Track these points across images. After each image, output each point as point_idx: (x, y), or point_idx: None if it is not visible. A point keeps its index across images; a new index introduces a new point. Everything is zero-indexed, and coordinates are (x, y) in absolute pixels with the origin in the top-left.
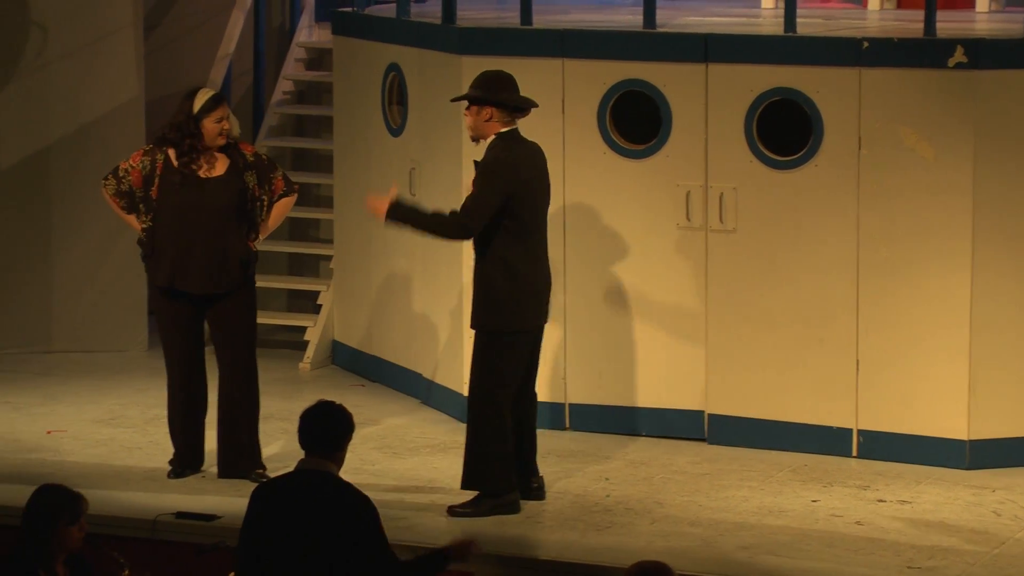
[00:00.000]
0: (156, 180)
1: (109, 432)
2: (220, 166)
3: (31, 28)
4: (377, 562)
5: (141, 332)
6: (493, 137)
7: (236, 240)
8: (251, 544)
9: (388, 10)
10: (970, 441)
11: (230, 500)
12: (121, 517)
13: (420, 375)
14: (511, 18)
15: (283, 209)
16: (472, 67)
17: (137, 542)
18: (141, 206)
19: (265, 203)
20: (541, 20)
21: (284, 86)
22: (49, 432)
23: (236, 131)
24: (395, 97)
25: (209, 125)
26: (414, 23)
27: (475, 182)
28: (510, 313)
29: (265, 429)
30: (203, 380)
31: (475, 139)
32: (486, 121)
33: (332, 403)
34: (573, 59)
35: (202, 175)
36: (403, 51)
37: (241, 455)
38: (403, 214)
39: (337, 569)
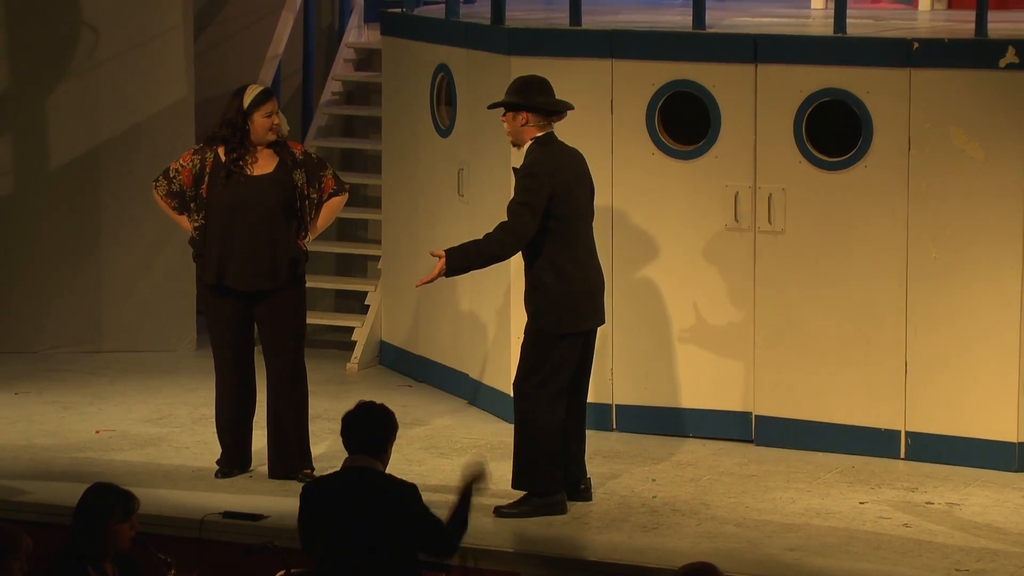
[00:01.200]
0: (206, 178)
1: (157, 431)
2: (269, 163)
3: (82, 29)
4: (428, 534)
5: (190, 332)
6: (530, 142)
7: (285, 238)
8: (311, 539)
9: (437, 11)
10: (1020, 443)
11: (277, 500)
12: (168, 516)
13: (467, 375)
14: (560, 19)
15: (334, 208)
16: (521, 68)
17: (184, 541)
18: (192, 205)
19: (315, 201)
20: (590, 20)
21: (333, 87)
22: (98, 432)
23: (285, 129)
24: (444, 98)
25: (259, 120)
26: (463, 24)
27: (516, 187)
28: (562, 315)
29: (313, 429)
30: (252, 379)
31: (515, 145)
32: (522, 126)
33: (373, 403)
34: (622, 60)
35: (250, 172)
36: (452, 52)
37: (290, 455)
38: (459, 259)
39: (388, 561)
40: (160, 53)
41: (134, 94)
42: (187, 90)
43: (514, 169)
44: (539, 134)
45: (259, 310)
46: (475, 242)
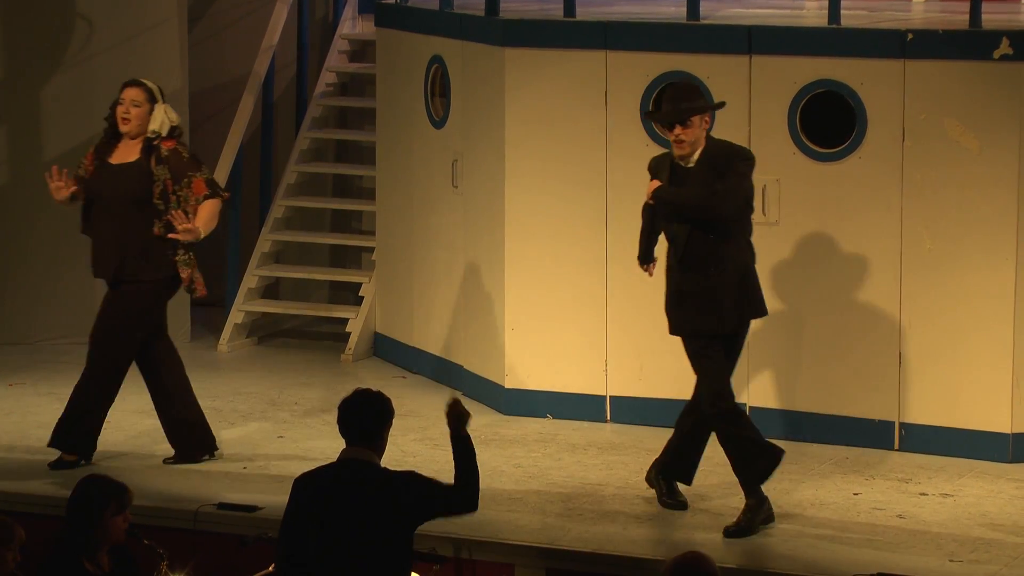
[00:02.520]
0: (91, 162)
1: (151, 422)
2: (131, 154)
3: (76, 20)
4: (445, 502)
5: (184, 323)
6: (704, 144)
7: (134, 230)
8: (293, 535)
9: (431, 2)
10: (1013, 434)
11: (272, 491)
12: (163, 507)
13: (461, 367)
14: (554, 10)
15: (209, 211)
16: (515, 59)
17: (179, 533)
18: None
19: (185, 200)
20: (584, 12)
21: (327, 78)
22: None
23: (156, 125)
24: (438, 89)
25: (118, 109)
26: (457, 15)
27: (730, 170)
28: (760, 298)
29: (307, 421)
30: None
31: (687, 156)
32: (706, 129)
33: (370, 390)
34: (616, 51)
35: (111, 161)
36: (446, 43)
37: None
38: (670, 192)
39: (381, 554)
40: (154, 45)
41: None
42: (181, 82)
43: (676, 165)
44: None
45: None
46: (684, 193)
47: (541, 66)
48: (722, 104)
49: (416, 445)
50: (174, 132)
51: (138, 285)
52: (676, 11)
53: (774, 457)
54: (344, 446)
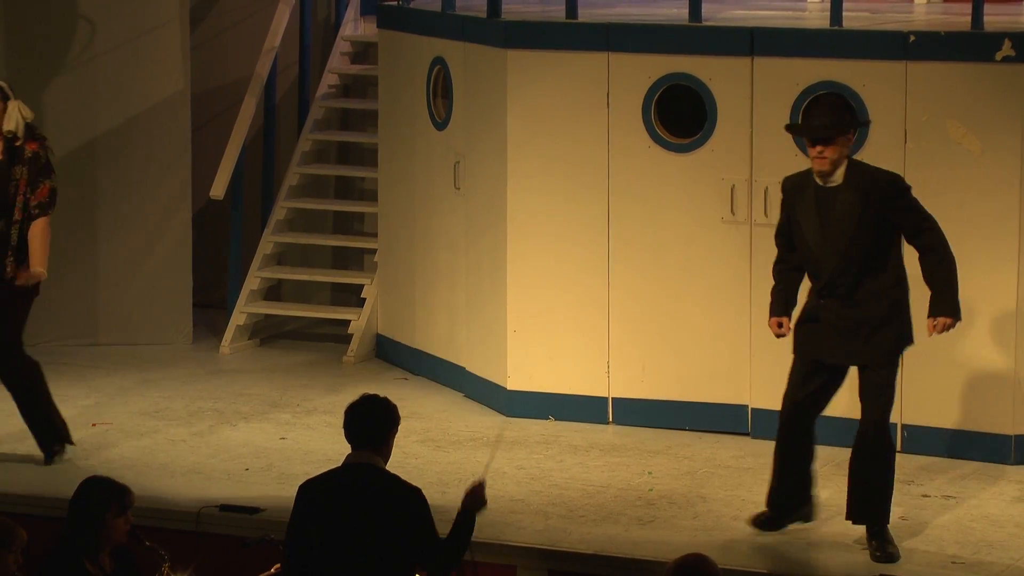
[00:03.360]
0: None
1: (153, 424)
2: None
3: (78, 22)
4: (426, 548)
5: (186, 325)
6: (847, 162)
7: None
8: (300, 541)
9: (433, 3)
10: (1016, 436)
11: (274, 493)
12: (165, 509)
13: (463, 368)
14: (556, 12)
15: (41, 241)
16: (517, 60)
17: (181, 534)
18: None
19: (26, 202)
20: (586, 14)
21: (329, 79)
22: (94, 424)
23: (12, 125)
24: (440, 90)
25: None
26: (459, 17)
27: (903, 205)
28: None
29: (309, 423)
30: None
31: (826, 174)
32: (848, 148)
33: (376, 396)
34: (618, 53)
35: None
36: (448, 44)
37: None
38: (953, 303)
39: (387, 559)
40: (156, 46)
41: (130, 87)
42: (183, 83)
43: (835, 190)
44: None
45: None
46: (944, 281)
47: (543, 68)
48: (868, 122)
49: (418, 447)
50: (35, 132)
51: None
52: (678, 13)
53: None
54: (348, 450)
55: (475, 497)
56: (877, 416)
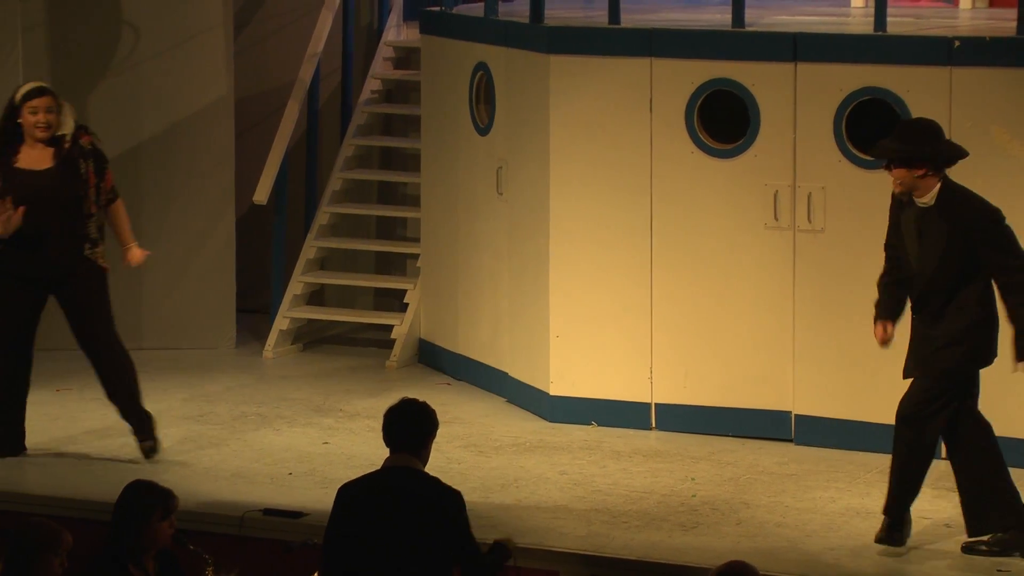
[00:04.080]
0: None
1: (197, 429)
2: (46, 157)
3: (123, 28)
4: (463, 553)
5: (230, 329)
6: (939, 185)
7: (76, 226)
8: (339, 542)
9: (476, 9)
10: None
11: (317, 497)
12: (209, 513)
13: (506, 373)
14: (599, 17)
15: (125, 216)
16: (560, 66)
17: (224, 538)
18: None
19: (100, 191)
20: (629, 19)
21: (372, 85)
22: None
23: (67, 129)
24: (482, 96)
25: (26, 115)
26: (502, 22)
27: (993, 238)
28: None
29: (352, 427)
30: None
31: (906, 194)
32: (920, 177)
33: (416, 401)
34: (661, 58)
35: (23, 167)
36: (491, 50)
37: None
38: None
39: (426, 561)
40: (200, 51)
41: (174, 92)
42: (227, 88)
43: (924, 211)
44: (942, 178)
45: (59, 300)
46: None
47: (586, 73)
48: (951, 154)
49: (461, 452)
50: (82, 126)
51: (98, 276)
52: (721, 18)
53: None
54: (388, 455)
55: (507, 553)
56: (904, 413)
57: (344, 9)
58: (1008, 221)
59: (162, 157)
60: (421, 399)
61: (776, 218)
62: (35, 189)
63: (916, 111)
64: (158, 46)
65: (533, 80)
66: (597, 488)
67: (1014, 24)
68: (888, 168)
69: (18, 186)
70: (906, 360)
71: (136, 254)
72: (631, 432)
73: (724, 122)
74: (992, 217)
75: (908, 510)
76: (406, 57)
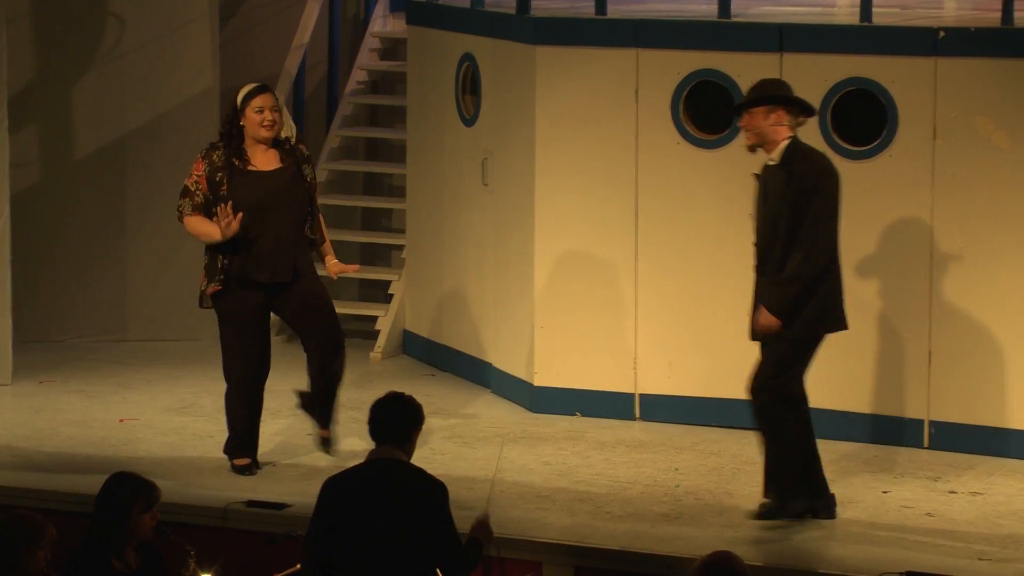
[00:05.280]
0: (222, 177)
1: (181, 420)
2: (273, 160)
3: (108, 19)
4: (445, 545)
5: (213, 321)
6: (785, 143)
7: (299, 229)
8: (322, 535)
9: (462, 0)
10: None
11: (301, 488)
12: (192, 505)
13: (491, 364)
14: (586, 8)
15: (323, 224)
16: (546, 57)
17: (207, 530)
18: (215, 209)
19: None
20: (616, 10)
21: (358, 76)
22: (122, 420)
23: (288, 131)
24: (468, 87)
25: (250, 115)
26: (488, 13)
27: (794, 205)
28: (827, 316)
29: (336, 418)
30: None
31: (754, 147)
32: (774, 125)
33: (402, 394)
34: (647, 49)
35: (253, 169)
36: (477, 41)
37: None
38: (783, 304)
39: (411, 553)
40: (185, 43)
41: (159, 84)
42: (212, 80)
43: (759, 176)
44: (791, 135)
45: (279, 302)
46: (787, 286)
47: (572, 64)
48: (798, 101)
49: (445, 443)
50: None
51: (316, 275)
52: (707, 9)
53: None
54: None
55: (485, 532)
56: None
57: (330, 0)
58: (994, 209)
59: (147, 149)
60: (407, 392)
61: None
62: (267, 190)
63: (901, 101)
64: (143, 37)
65: (519, 71)
66: (580, 478)
67: (999, 15)
68: (741, 121)
69: (250, 188)
70: (752, 323)
71: (336, 266)
72: (615, 422)
73: (710, 113)
74: (821, 169)
75: (824, 481)
76: (392, 48)
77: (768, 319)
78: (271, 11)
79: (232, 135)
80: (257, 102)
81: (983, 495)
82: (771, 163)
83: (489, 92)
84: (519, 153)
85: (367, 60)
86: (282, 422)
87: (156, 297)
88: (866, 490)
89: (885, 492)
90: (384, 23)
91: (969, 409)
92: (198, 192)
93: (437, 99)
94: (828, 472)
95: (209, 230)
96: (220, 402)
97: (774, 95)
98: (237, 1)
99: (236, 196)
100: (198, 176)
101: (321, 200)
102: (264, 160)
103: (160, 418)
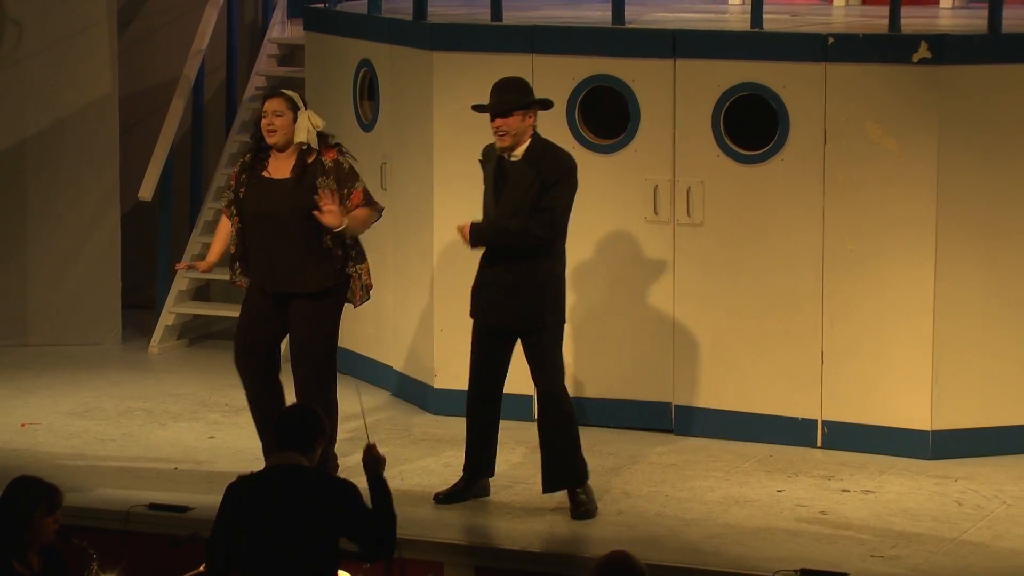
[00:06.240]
0: (243, 179)
1: (83, 424)
2: (285, 167)
3: (6, 24)
4: (365, 528)
5: (115, 325)
6: (531, 140)
7: (308, 240)
8: (226, 539)
9: (359, 6)
10: (933, 431)
11: (203, 492)
12: (94, 508)
13: (391, 367)
14: (481, 14)
15: (362, 212)
16: (443, 63)
17: (110, 533)
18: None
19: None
20: (511, 16)
21: (256, 81)
22: (23, 424)
23: (303, 136)
24: (366, 92)
25: (262, 122)
26: (385, 19)
27: (558, 188)
28: (564, 306)
29: (238, 422)
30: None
31: (510, 148)
32: (529, 125)
33: (307, 406)
34: (543, 55)
35: (265, 175)
36: (374, 47)
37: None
38: (485, 236)
39: (316, 555)
40: (84, 48)
41: (58, 89)
42: (111, 85)
43: (514, 163)
44: (533, 133)
45: (287, 311)
46: (509, 230)
47: (469, 70)
48: (546, 101)
49: (348, 446)
50: (328, 140)
51: (325, 296)
52: (602, 15)
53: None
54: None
55: (374, 459)
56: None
57: (228, 6)
58: (883, 211)
59: (47, 153)
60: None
61: (656, 212)
62: (267, 199)
63: (792, 106)
64: (42, 43)
65: (417, 76)
66: None
67: (886, 21)
68: (496, 123)
69: (255, 195)
70: (485, 307)
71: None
72: (513, 424)
73: (605, 118)
74: (570, 166)
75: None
76: (290, 54)
77: (465, 230)
78: (170, 17)
79: (257, 139)
80: (265, 107)
81: (875, 493)
82: (515, 159)
83: (387, 97)
84: (417, 157)
85: (266, 66)
86: (183, 425)
87: (57, 301)
88: (761, 489)
89: (779, 491)
90: (282, 29)
91: (861, 409)
92: (229, 190)
93: (335, 104)
94: (723, 472)
95: (220, 232)
96: (123, 406)
97: (532, 100)
98: (136, 7)
99: (243, 201)
100: (232, 175)
101: (220, 205)
102: (276, 167)
103: (62, 422)
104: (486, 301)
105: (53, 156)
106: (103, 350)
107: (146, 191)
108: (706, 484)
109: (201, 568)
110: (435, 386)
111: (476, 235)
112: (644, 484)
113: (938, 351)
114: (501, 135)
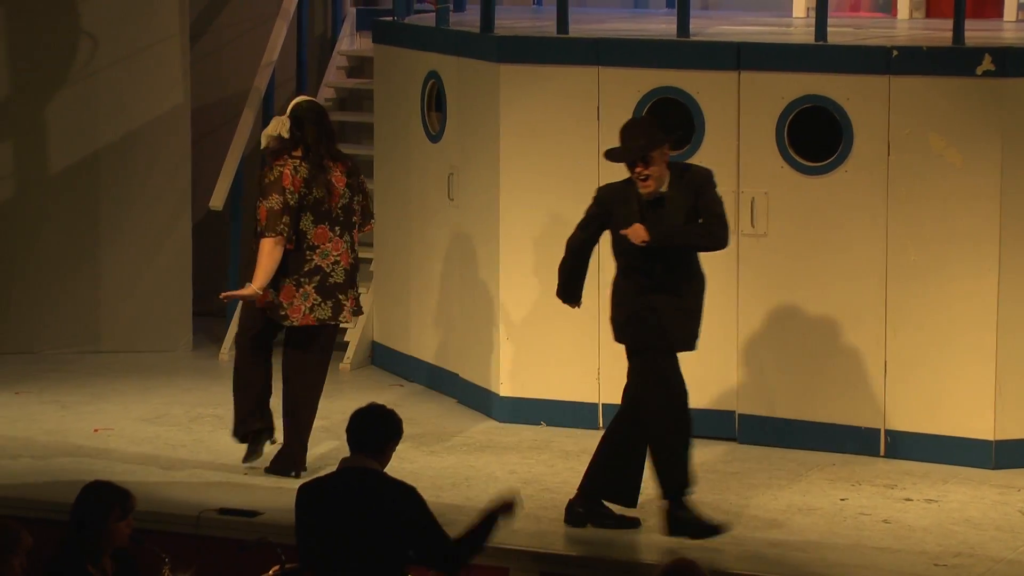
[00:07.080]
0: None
1: (154, 430)
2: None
3: (81, 37)
4: (430, 543)
5: (186, 332)
6: (669, 171)
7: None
8: (308, 540)
9: (427, 19)
10: (996, 441)
11: (273, 496)
12: (165, 513)
13: (457, 375)
14: (547, 27)
15: (263, 265)
16: (509, 75)
17: (181, 537)
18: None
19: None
20: (577, 29)
21: (326, 93)
22: (96, 430)
23: (264, 143)
24: (434, 104)
25: None
26: (453, 32)
27: (710, 197)
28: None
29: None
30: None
31: (654, 192)
32: (667, 159)
33: (385, 407)
34: (608, 67)
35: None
36: (442, 59)
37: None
38: (666, 233)
39: (384, 558)
40: (157, 60)
41: (131, 100)
42: (183, 96)
43: (663, 193)
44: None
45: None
46: (690, 228)
47: (535, 81)
48: (678, 132)
49: (413, 452)
50: (282, 147)
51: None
52: (667, 28)
53: None
54: (342, 454)
55: (507, 507)
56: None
57: (298, 19)
58: (945, 224)
59: (120, 164)
60: (372, 399)
61: None
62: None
63: (856, 119)
64: (116, 55)
65: (483, 88)
66: (546, 486)
67: (950, 34)
68: (641, 171)
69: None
70: (633, 330)
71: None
72: (579, 432)
73: (671, 130)
74: (708, 172)
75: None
76: (359, 66)
77: (641, 233)
78: (241, 30)
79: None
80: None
81: (938, 503)
82: (661, 193)
83: (454, 109)
84: (484, 169)
85: (335, 78)
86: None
87: (129, 309)
88: (824, 497)
89: (843, 499)
90: (351, 42)
91: (924, 418)
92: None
93: (403, 116)
94: (787, 480)
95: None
96: (193, 412)
97: (662, 140)
98: (208, 20)
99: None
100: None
101: None
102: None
103: (133, 428)
104: (676, 326)
105: (126, 166)
106: (174, 357)
107: (217, 201)
108: (769, 492)
109: (270, 573)
110: (500, 394)
111: (658, 232)
112: (708, 492)
113: (1001, 361)
114: (645, 181)
